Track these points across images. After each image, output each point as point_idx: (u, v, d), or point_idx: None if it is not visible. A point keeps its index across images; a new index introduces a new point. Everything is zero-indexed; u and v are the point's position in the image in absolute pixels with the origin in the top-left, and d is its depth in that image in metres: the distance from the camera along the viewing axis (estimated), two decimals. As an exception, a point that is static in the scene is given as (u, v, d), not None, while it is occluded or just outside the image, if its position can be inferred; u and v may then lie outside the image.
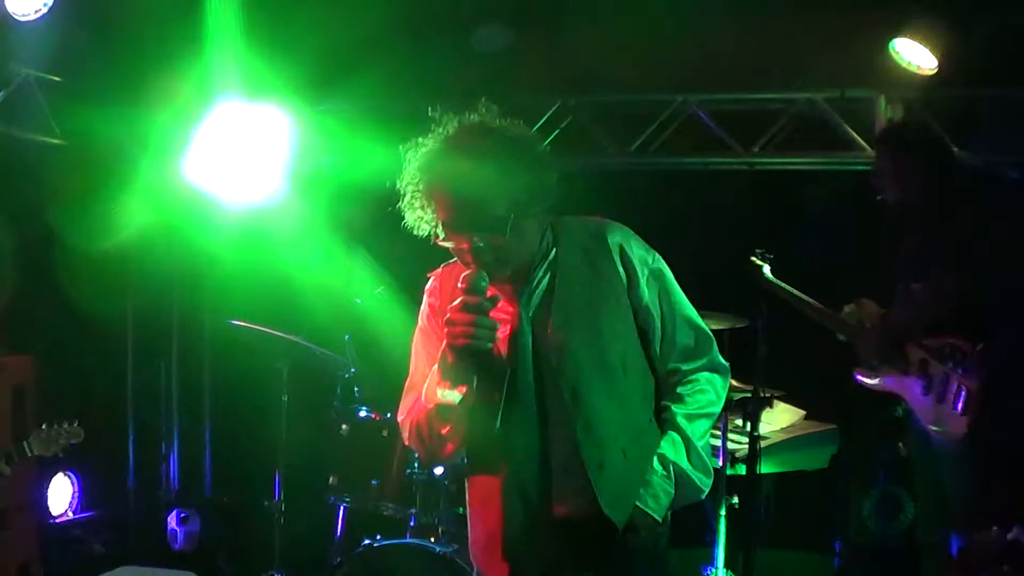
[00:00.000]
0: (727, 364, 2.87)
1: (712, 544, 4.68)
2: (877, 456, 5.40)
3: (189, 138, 5.60)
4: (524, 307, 2.74)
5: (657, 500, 2.72)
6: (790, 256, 4.86)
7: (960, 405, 4.17)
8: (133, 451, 6.52)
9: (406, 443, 2.86)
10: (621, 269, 2.76)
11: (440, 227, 2.67)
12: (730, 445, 4.65)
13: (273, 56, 5.22)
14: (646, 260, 2.80)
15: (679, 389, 2.81)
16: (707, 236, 5.62)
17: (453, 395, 2.62)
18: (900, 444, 5.14)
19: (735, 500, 4.63)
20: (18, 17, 4.71)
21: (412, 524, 4.63)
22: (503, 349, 2.71)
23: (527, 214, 2.67)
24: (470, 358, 2.59)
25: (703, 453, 2.77)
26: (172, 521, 6.32)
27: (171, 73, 5.37)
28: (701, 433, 2.78)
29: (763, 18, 5.33)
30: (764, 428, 4.59)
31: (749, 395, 4.46)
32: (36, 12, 4.73)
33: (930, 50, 5.08)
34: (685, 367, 2.82)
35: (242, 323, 4.95)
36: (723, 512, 4.63)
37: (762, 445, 4.49)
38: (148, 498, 6.53)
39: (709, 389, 2.82)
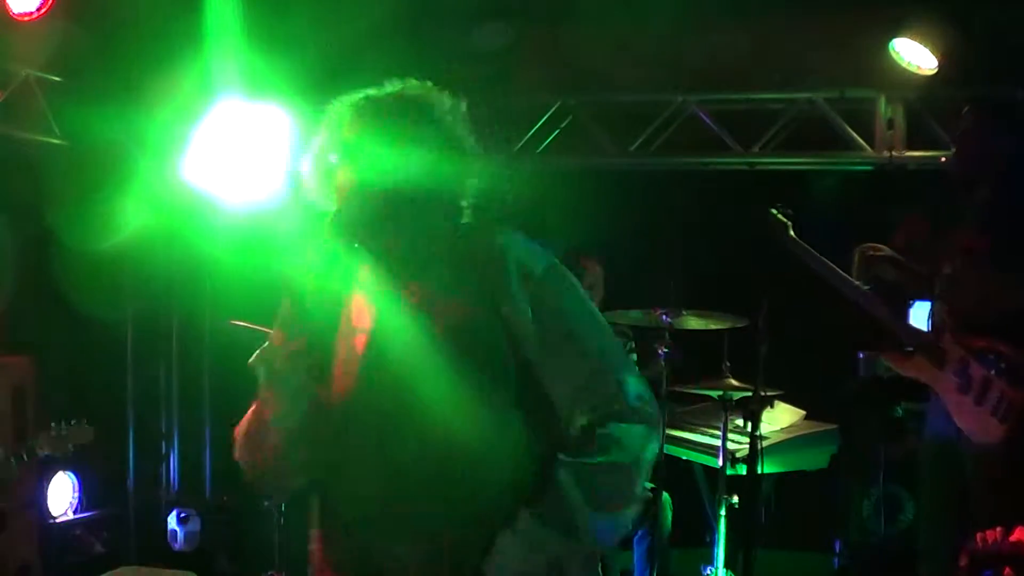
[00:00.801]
0: (648, 411, 2.10)
1: (712, 544, 4.68)
2: (877, 456, 5.39)
3: (189, 138, 5.60)
4: (387, 309, 2.24)
5: (506, 565, 2.05)
6: (790, 255, 4.85)
7: (1000, 414, 4.00)
8: (133, 451, 6.51)
9: (236, 455, 2.42)
10: (485, 278, 2.15)
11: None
12: (730, 445, 4.65)
13: (274, 55, 5.22)
14: (523, 264, 2.15)
15: (578, 437, 2.10)
16: (707, 236, 5.62)
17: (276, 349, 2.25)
18: (900, 444, 5.13)
19: (735, 500, 4.63)
20: (18, 17, 4.72)
21: (412, 524, 4.62)
22: (351, 343, 2.29)
23: (432, 177, 2.20)
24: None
25: (587, 522, 2.03)
26: (172, 521, 6.32)
27: (171, 72, 5.36)
28: (602, 496, 2.05)
29: (763, 18, 5.33)
30: (764, 428, 4.59)
31: (749, 395, 4.46)
32: (36, 12, 4.73)
33: (930, 50, 5.07)
34: (580, 411, 2.10)
35: (242, 323, 4.95)
36: (723, 512, 4.63)
37: (762, 445, 4.49)
38: (148, 498, 6.52)
39: (619, 438, 2.07)
